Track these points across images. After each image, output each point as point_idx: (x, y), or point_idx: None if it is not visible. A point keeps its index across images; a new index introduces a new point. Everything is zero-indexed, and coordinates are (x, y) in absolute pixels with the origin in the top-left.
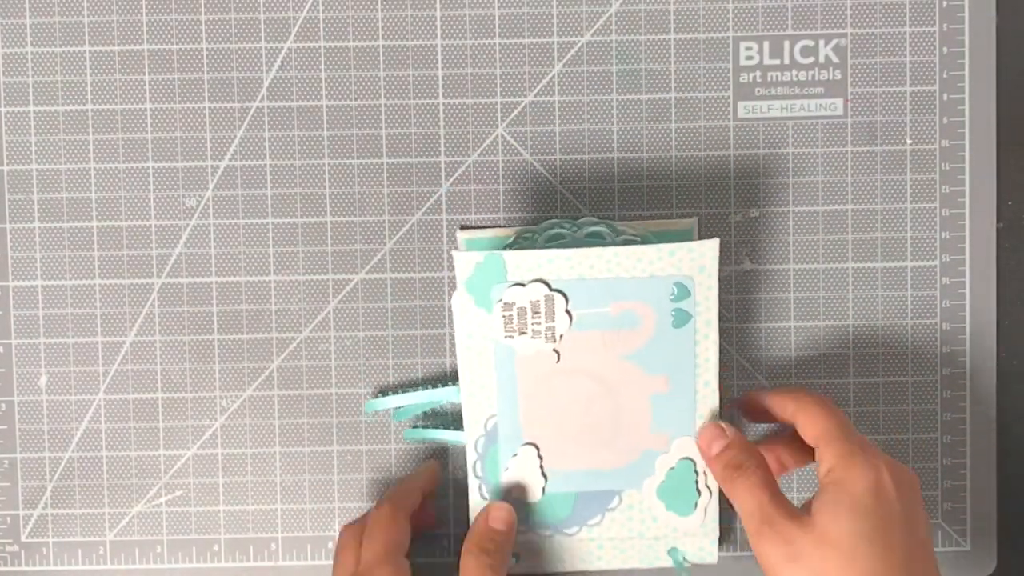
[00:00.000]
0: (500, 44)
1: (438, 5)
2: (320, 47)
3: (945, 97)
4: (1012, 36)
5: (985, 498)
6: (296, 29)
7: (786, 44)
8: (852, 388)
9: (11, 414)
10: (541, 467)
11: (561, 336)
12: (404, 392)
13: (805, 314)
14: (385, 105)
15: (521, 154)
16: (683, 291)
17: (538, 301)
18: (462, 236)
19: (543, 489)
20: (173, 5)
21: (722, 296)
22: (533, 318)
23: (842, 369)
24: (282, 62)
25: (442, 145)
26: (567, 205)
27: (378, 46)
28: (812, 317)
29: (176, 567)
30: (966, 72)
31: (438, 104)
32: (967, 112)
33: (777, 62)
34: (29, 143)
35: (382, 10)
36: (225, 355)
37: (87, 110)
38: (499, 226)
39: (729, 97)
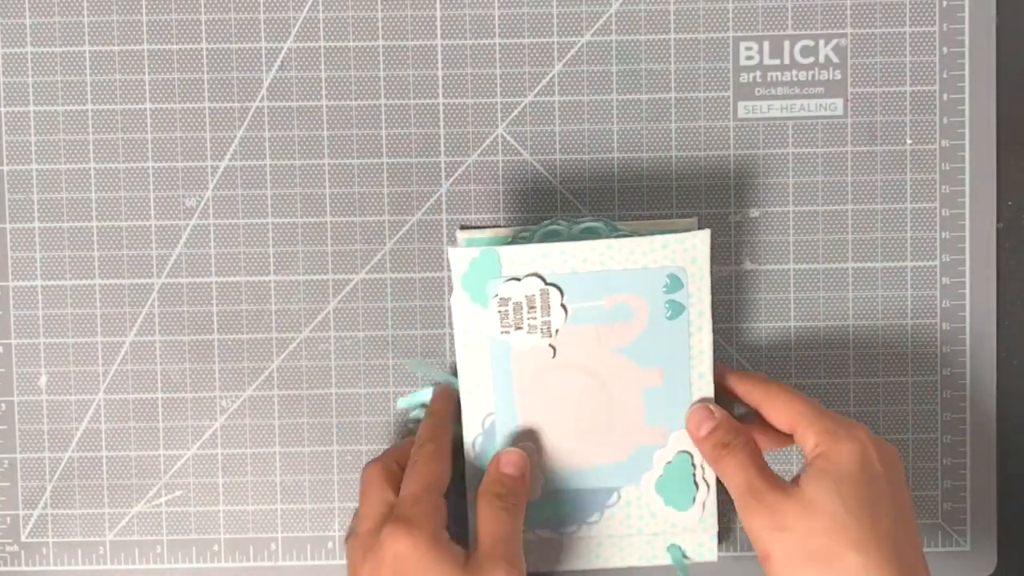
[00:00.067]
0: (500, 44)
1: (438, 5)
2: (320, 47)
3: (945, 97)
4: (1012, 36)
5: (985, 498)
6: (296, 29)
7: (786, 44)
8: (852, 388)
9: (11, 414)
10: (540, 465)
11: (557, 331)
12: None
13: (805, 314)
14: (385, 105)
15: (521, 154)
16: (676, 283)
17: (533, 295)
18: (462, 236)
19: (542, 487)
20: (173, 5)
21: (722, 296)
22: (529, 313)
23: (842, 369)
24: (282, 62)
25: (442, 145)
26: (567, 205)
27: (378, 46)
28: (812, 317)
29: (176, 567)
30: (966, 72)
31: (438, 104)
32: (967, 112)
33: (777, 62)
34: (29, 143)
35: (382, 10)
36: (225, 355)
37: (87, 110)
38: (499, 226)
39: (729, 97)
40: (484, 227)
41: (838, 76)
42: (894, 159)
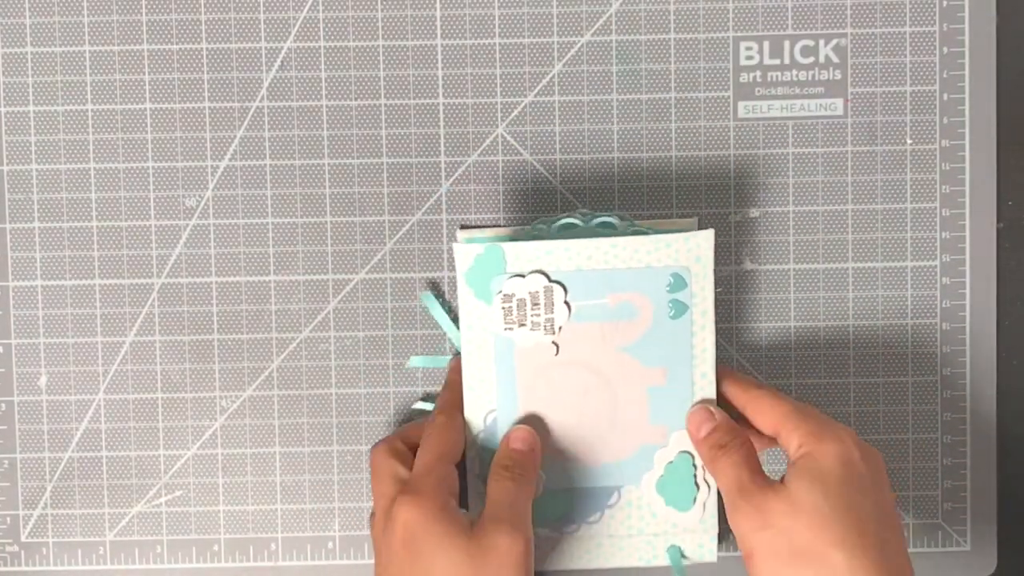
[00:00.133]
0: (500, 44)
1: (438, 5)
2: (320, 47)
3: (945, 97)
4: (1012, 36)
5: (985, 498)
6: (296, 29)
7: (786, 44)
8: (852, 388)
9: (11, 414)
10: (540, 463)
11: (560, 328)
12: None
13: (805, 314)
14: (385, 105)
15: (521, 154)
16: (680, 282)
17: (537, 292)
18: (462, 236)
19: (542, 486)
20: (173, 5)
21: (722, 296)
22: (532, 310)
23: (842, 369)
24: (282, 62)
25: (442, 145)
26: (567, 205)
27: (378, 46)
28: (812, 317)
29: (176, 567)
30: (966, 72)
31: (438, 104)
32: (967, 112)
33: (777, 62)
34: (29, 143)
35: (382, 10)
36: (225, 355)
37: (87, 110)
38: (499, 226)
39: (729, 97)
40: (484, 227)
41: (838, 76)
42: (894, 159)
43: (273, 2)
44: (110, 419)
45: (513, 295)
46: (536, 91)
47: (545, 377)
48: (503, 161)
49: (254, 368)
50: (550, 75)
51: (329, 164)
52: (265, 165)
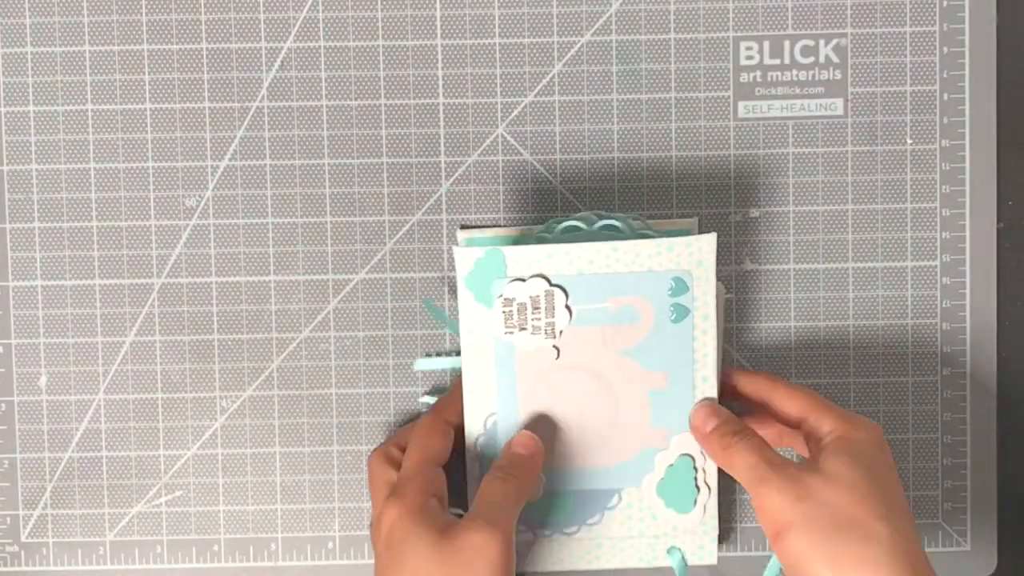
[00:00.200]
0: (500, 44)
1: (438, 5)
2: (320, 47)
3: (945, 97)
4: (1012, 36)
5: (985, 498)
6: (296, 29)
7: (786, 44)
8: (852, 388)
9: (11, 414)
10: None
11: (561, 332)
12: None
13: (805, 314)
14: (385, 105)
15: (521, 154)
16: (681, 286)
17: (538, 296)
18: (462, 236)
19: (543, 488)
20: (173, 5)
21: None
22: (533, 314)
23: (842, 369)
24: (282, 62)
25: (442, 145)
26: (567, 205)
27: (378, 46)
28: (812, 317)
29: (176, 567)
30: (966, 72)
31: (438, 104)
32: (967, 112)
33: (777, 62)
34: (29, 143)
35: (382, 10)
36: (225, 355)
37: (87, 110)
38: (499, 226)
39: (729, 97)
40: (485, 227)
41: (838, 76)
42: (894, 159)
43: (273, 2)
44: (110, 419)
45: (514, 299)
46: (536, 91)
47: (546, 381)
48: (503, 161)
49: (254, 368)
50: (550, 75)
51: (329, 164)
52: (265, 165)
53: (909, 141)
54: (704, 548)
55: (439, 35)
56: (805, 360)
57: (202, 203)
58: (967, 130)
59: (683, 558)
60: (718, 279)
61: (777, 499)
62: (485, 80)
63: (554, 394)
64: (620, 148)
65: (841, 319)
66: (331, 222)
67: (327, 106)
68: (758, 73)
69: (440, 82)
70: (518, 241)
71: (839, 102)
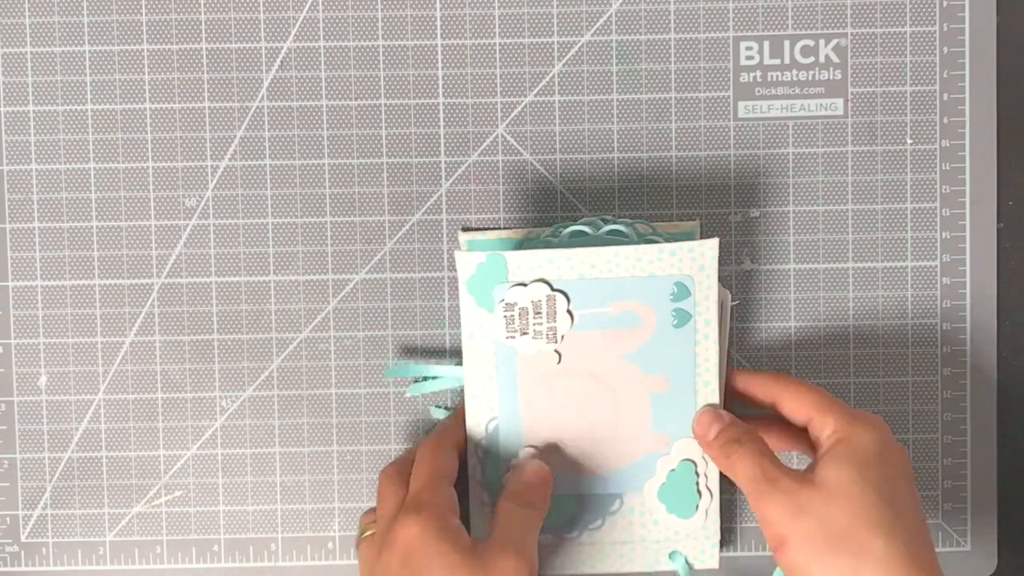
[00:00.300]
0: (500, 44)
1: (438, 5)
2: (320, 47)
3: (945, 97)
4: (1012, 36)
5: (985, 498)
6: (296, 29)
7: (786, 44)
8: (852, 388)
9: (11, 414)
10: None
11: (562, 337)
12: (427, 363)
13: (805, 314)
14: (385, 105)
15: (521, 154)
16: (683, 291)
17: (540, 301)
18: (464, 239)
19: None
20: (173, 5)
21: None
22: (535, 318)
23: (842, 369)
24: (282, 62)
25: (442, 145)
26: (567, 205)
27: (378, 46)
28: (812, 317)
29: (176, 567)
30: (966, 72)
31: (438, 104)
32: (967, 112)
33: (777, 62)
34: (29, 143)
35: (382, 10)
36: (225, 355)
37: (87, 110)
38: (500, 227)
39: (729, 97)
40: (487, 229)
41: (838, 76)
42: (894, 159)
43: (273, 2)
44: (110, 419)
45: (515, 304)
46: (536, 91)
47: (547, 385)
48: (503, 161)
49: (254, 368)
50: (550, 75)
51: (329, 164)
52: (265, 165)
53: (909, 141)
54: (705, 553)
55: (439, 35)
56: (805, 360)
57: (202, 203)
58: (967, 130)
59: (687, 562)
60: (722, 284)
61: (774, 514)
62: (485, 80)
63: (555, 399)
64: (620, 148)
65: (841, 319)
66: (331, 222)
67: (327, 106)
68: (758, 73)
69: (440, 82)
70: (522, 244)
71: (839, 102)
